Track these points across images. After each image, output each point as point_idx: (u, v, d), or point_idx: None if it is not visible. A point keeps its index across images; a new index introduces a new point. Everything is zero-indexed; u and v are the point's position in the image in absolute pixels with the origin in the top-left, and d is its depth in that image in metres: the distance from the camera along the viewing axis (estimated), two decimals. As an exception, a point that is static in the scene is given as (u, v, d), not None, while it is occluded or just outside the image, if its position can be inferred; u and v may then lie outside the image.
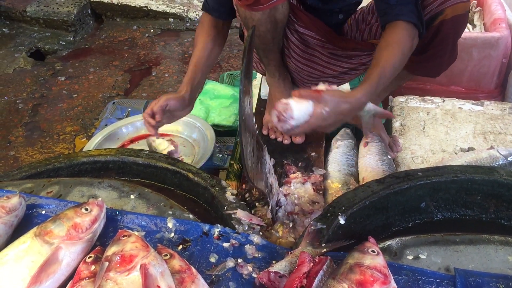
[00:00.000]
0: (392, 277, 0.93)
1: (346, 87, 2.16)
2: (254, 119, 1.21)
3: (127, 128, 2.09)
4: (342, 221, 1.21)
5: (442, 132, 1.90)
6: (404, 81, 1.91)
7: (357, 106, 1.29)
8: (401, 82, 1.89)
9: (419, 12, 1.41)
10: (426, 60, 1.60)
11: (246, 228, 1.19)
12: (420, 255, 1.10)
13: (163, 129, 2.08)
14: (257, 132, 1.30)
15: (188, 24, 3.83)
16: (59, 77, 3.23)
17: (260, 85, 2.14)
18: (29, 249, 0.99)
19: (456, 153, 1.78)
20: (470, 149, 1.78)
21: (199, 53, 1.71)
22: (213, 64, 1.83)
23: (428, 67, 1.65)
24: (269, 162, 1.46)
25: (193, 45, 1.77)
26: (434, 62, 1.62)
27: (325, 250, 1.09)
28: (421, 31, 1.43)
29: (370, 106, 1.41)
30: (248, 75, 1.00)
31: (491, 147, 1.68)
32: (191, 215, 1.22)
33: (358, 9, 1.73)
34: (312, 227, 1.16)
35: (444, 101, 2.07)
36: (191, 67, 1.70)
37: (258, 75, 2.25)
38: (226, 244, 1.10)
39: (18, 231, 1.11)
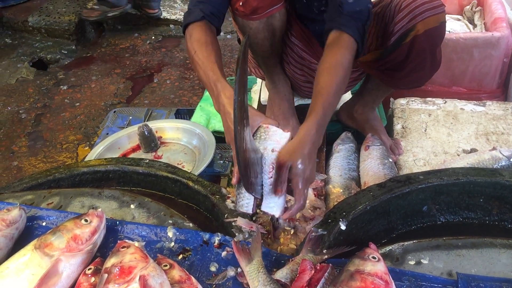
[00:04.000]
0: (393, 284, 0.93)
1: (347, 96, 2.15)
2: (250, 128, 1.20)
3: (128, 138, 2.09)
4: (343, 227, 1.20)
5: (444, 133, 1.89)
6: (390, 93, 1.92)
7: (310, 139, 1.20)
8: (386, 94, 1.91)
9: (364, 33, 1.40)
10: (406, 75, 1.60)
11: (247, 235, 1.18)
12: (422, 260, 1.09)
13: (165, 136, 2.10)
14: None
15: (189, 30, 3.84)
16: (62, 86, 3.24)
17: (260, 90, 2.14)
18: (29, 261, 0.99)
19: (458, 155, 1.77)
20: (473, 150, 1.77)
21: (217, 56, 1.41)
22: None
23: (410, 81, 1.65)
24: None
25: (196, 48, 1.42)
26: (415, 75, 1.62)
27: (326, 256, 1.09)
28: (360, 51, 1.40)
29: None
30: (242, 84, 1.00)
31: (494, 148, 1.67)
32: (191, 224, 1.22)
33: None
34: (313, 234, 1.16)
35: (445, 102, 2.06)
36: (214, 68, 1.35)
37: (258, 80, 2.25)
38: (223, 253, 1.10)
39: (19, 243, 1.11)
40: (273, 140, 1.19)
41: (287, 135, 1.21)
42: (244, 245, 1.08)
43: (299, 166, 1.15)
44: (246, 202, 1.18)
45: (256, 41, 1.63)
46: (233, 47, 3.50)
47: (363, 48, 1.42)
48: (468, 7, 2.69)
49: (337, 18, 1.39)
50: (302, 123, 1.25)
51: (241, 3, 1.46)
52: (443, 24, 1.49)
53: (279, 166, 1.15)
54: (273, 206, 1.18)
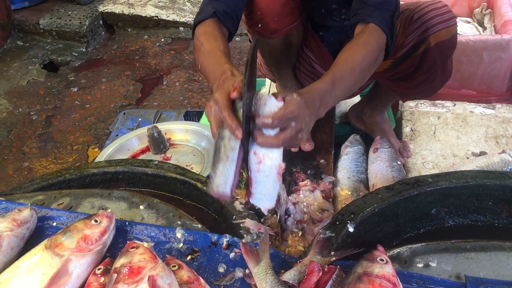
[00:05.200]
0: (401, 286, 0.93)
1: (356, 98, 2.15)
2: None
3: (137, 139, 2.11)
4: (351, 229, 1.20)
5: (453, 136, 1.88)
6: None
7: (305, 99, 1.06)
8: (396, 98, 1.91)
9: (393, 24, 1.29)
10: (416, 86, 1.59)
11: (255, 237, 1.19)
12: (430, 263, 1.09)
13: (174, 138, 2.11)
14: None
15: (198, 33, 3.86)
16: (72, 88, 3.27)
17: (269, 92, 2.14)
18: (40, 261, 1.00)
19: (467, 158, 1.76)
20: (482, 153, 1.76)
21: (225, 46, 1.29)
22: None
23: (420, 92, 1.65)
24: None
25: (203, 41, 1.29)
26: (426, 86, 1.61)
27: (334, 258, 1.09)
28: (389, 44, 1.30)
29: None
30: (251, 86, 1.00)
31: (503, 151, 1.66)
32: (199, 225, 1.22)
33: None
34: (321, 236, 1.16)
35: (455, 105, 2.05)
36: (222, 53, 1.24)
37: (267, 82, 2.25)
38: (232, 254, 1.11)
39: (30, 243, 1.13)
40: (266, 111, 1.02)
41: (280, 104, 1.02)
42: (252, 246, 1.09)
43: (296, 97, 1.03)
44: (223, 180, 1.01)
45: (272, 54, 1.65)
46: (242, 49, 3.51)
47: (394, 42, 1.31)
48: (477, 9, 2.68)
49: (361, 10, 1.30)
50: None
51: (260, 25, 1.46)
52: (454, 36, 1.48)
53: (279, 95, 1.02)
54: (262, 197, 1.07)
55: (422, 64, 1.51)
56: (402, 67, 1.55)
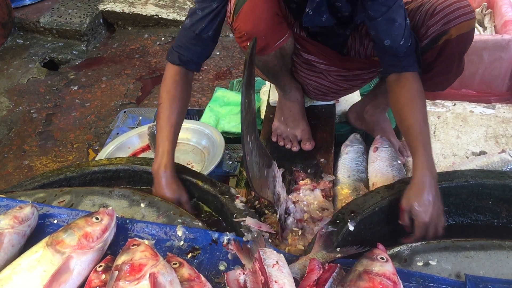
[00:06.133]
0: (401, 284, 0.93)
1: (356, 97, 2.15)
2: (257, 129, 1.21)
3: (138, 138, 2.11)
4: (351, 228, 1.21)
5: (453, 136, 1.89)
6: None
7: (424, 182, 1.26)
8: None
9: (419, 58, 1.47)
10: (432, 77, 1.59)
11: (256, 235, 1.19)
12: (430, 262, 1.09)
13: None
14: (265, 138, 1.30)
15: (198, 32, 3.86)
16: (72, 87, 3.27)
17: (269, 91, 2.15)
18: (41, 258, 1.01)
19: (467, 157, 1.77)
20: (482, 153, 1.77)
21: (178, 115, 1.51)
22: None
23: (434, 83, 1.64)
24: (277, 174, 1.47)
25: (162, 100, 1.51)
26: (440, 78, 1.61)
27: (339, 255, 1.09)
28: (420, 73, 1.47)
29: None
30: (249, 86, 1.01)
31: (503, 151, 1.66)
32: (200, 223, 1.23)
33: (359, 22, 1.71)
34: (323, 230, 1.17)
35: (455, 104, 2.06)
36: (169, 133, 1.47)
37: (267, 81, 2.26)
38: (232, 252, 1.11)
39: (31, 240, 1.13)
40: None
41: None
42: (244, 244, 1.10)
43: (417, 208, 1.22)
44: None
45: (266, 66, 1.65)
46: (241, 48, 3.51)
47: (421, 69, 1.49)
48: (478, 9, 2.68)
49: (395, 63, 1.44)
50: (413, 168, 1.30)
51: (248, 44, 1.47)
52: (473, 30, 1.50)
53: (401, 209, 1.25)
54: None
55: (441, 55, 1.52)
56: (424, 57, 1.56)
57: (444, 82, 1.65)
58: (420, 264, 1.09)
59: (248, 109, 1.10)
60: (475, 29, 2.55)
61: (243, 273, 1.00)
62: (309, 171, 1.71)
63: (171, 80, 1.52)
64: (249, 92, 1.04)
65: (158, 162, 1.42)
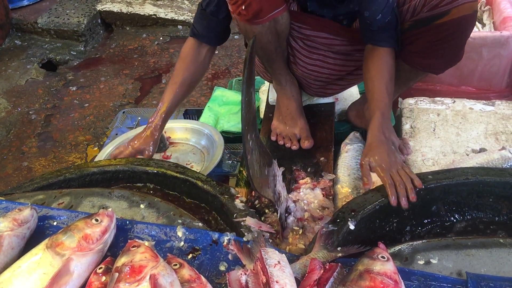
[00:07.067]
0: (402, 283, 0.93)
1: (354, 89, 2.15)
2: (257, 128, 1.21)
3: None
4: (352, 227, 1.20)
5: (453, 133, 1.88)
6: (412, 83, 1.89)
7: (377, 140, 1.42)
8: (409, 84, 1.88)
9: (398, 35, 1.58)
10: (428, 55, 1.59)
11: (256, 235, 1.19)
12: (431, 260, 1.09)
13: (173, 137, 2.11)
14: (265, 137, 1.30)
15: (196, 31, 3.86)
16: (71, 87, 3.27)
17: (268, 90, 2.14)
18: (41, 261, 1.00)
19: (467, 155, 1.76)
20: (482, 150, 1.76)
21: (186, 80, 1.74)
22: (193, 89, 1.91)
23: (430, 63, 1.64)
24: (278, 173, 1.46)
25: (175, 68, 1.77)
26: (437, 59, 1.61)
27: (339, 254, 1.09)
28: (397, 50, 1.60)
29: None
30: (249, 85, 1.00)
31: (503, 148, 1.66)
32: (200, 224, 1.22)
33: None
34: (324, 229, 1.16)
35: (454, 101, 2.05)
36: (170, 95, 1.72)
37: (267, 81, 2.25)
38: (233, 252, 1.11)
39: (30, 242, 1.13)
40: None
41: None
42: (245, 244, 1.09)
43: (373, 162, 1.36)
44: None
45: (260, 44, 1.63)
46: (241, 47, 3.51)
47: (400, 45, 1.60)
48: (476, 6, 2.68)
49: (370, 35, 1.57)
50: (369, 130, 1.45)
51: (243, 7, 1.48)
52: (475, 13, 1.50)
53: (361, 166, 1.39)
54: None
55: (440, 34, 1.53)
56: (420, 30, 1.57)
57: (441, 63, 1.65)
58: (421, 262, 1.09)
59: (248, 107, 1.10)
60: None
61: (245, 273, 1.00)
62: (309, 170, 1.71)
63: (184, 50, 1.75)
64: (249, 90, 1.04)
65: (150, 120, 1.71)
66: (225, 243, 1.14)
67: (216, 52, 3.46)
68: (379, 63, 1.55)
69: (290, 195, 1.54)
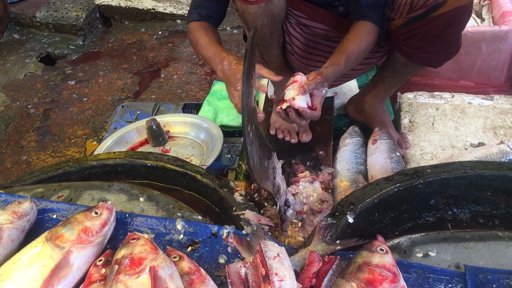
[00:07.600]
0: (401, 275, 0.93)
1: (353, 84, 2.16)
2: (258, 120, 1.21)
3: (136, 132, 2.11)
4: (350, 220, 1.20)
5: (452, 127, 1.89)
6: (411, 76, 1.89)
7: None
8: (408, 77, 1.88)
9: (384, 17, 1.63)
10: (426, 49, 1.59)
11: (255, 228, 1.19)
12: (429, 253, 1.09)
13: (172, 130, 2.11)
14: (264, 132, 1.30)
15: (195, 25, 3.85)
16: (69, 81, 3.26)
17: (267, 85, 2.14)
18: (40, 253, 1.00)
19: (466, 149, 1.77)
20: (480, 144, 1.77)
21: (217, 39, 1.66)
22: None
23: (428, 57, 1.64)
24: (277, 166, 1.46)
25: (198, 39, 1.64)
26: (435, 53, 1.61)
27: (338, 247, 1.09)
28: (381, 33, 1.64)
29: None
30: (249, 76, 1.00)
31: (501, 142, 1.66)
32: (200, 217, 1.23)
33: None
34: (323, 223, 1.17)
35: (453, 96, 2.06)
36: (217, 45, 1.59)
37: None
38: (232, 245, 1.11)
39: (30, 235, 1.13)
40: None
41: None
42: (244, 237, 1.10)
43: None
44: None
45: (255, 26, 1.63)
46: (240, 42, 3.50)
47: (384, 32, 1.64)
48: (476, 0, 2.68)
49: (358, 11, 1.61)
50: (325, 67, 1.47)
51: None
52: (471, 3, 1.51)
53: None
54: None
55: (437, 26, 1.53)
56: (414, 26, 1.57)
57: (438, 56, 1.65)
58: (420, 255, 1.09)
59: (248, 99, 1.10)
60: (473, 20, 2.55)
61: (244, 266, 1.00)
62: (308, 163, 1.71)
63: (199, 29, 1.66)
64: (249, 82, 1.03)
65: (219, 62, 1.51)
66: (224, 236, 1.14)
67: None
68: (359, 32, 1.59)
69: (289, 188, 1.55)
